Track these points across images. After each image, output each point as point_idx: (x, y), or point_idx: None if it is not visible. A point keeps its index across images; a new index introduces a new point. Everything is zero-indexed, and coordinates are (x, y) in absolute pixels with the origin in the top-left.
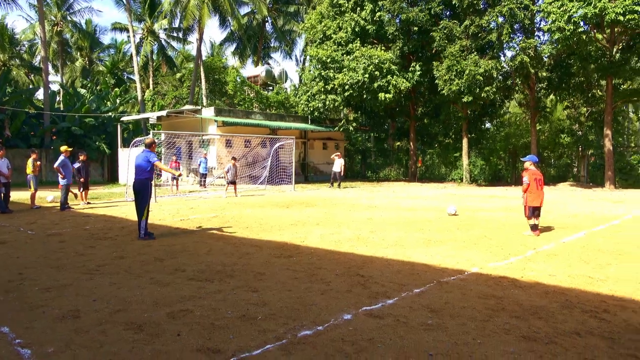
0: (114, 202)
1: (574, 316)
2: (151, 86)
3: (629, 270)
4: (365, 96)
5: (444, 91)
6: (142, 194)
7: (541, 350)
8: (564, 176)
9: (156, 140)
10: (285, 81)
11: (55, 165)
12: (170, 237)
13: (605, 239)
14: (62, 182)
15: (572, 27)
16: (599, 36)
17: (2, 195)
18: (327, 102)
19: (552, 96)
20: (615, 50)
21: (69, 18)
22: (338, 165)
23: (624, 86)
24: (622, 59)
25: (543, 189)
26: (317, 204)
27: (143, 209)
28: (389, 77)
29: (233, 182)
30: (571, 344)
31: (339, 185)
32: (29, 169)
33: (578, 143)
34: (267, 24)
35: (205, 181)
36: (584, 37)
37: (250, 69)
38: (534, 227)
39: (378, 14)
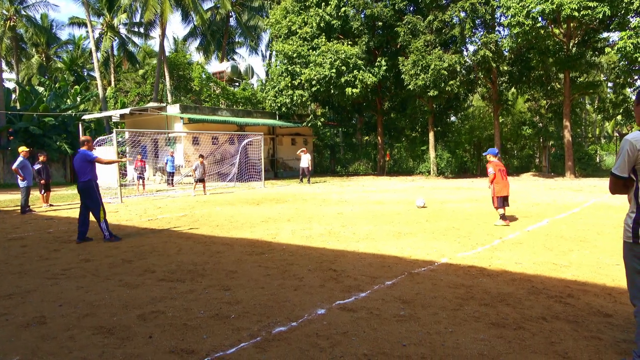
0: (77, 203)
1: (540, 302)
2: (113, 83)
3: (590, 255)
4: (332, 91)
5: (410, 86)
6: (91, 196)
7: (510, 336)
8: (526, 167)
9: (89, 138)
10: (252, 77)
11: (14, 166)
12: (139, 238)
13: (567, 226)
14: (21, 184)
15: (530, 22)
16: (556, 31)
17: None
18: (295, 98)
19: (513, 89)
20: (571, 44)
21: (22, 12)
22: (305, 160)
23: (581, 79)
24: (578, 53)
25: (507, 178)
26: (287, 200)
27: (98, 212)
28: (355, 72)
29: (202, 180)
30: (538, 329)
31: (309, 180)
32: None
33: (539, 134)
34: (231, 19)
35: (172, 180)
36: (542, 31)
37: (216, 65)
38: (504, 217)
39: (343, 9)
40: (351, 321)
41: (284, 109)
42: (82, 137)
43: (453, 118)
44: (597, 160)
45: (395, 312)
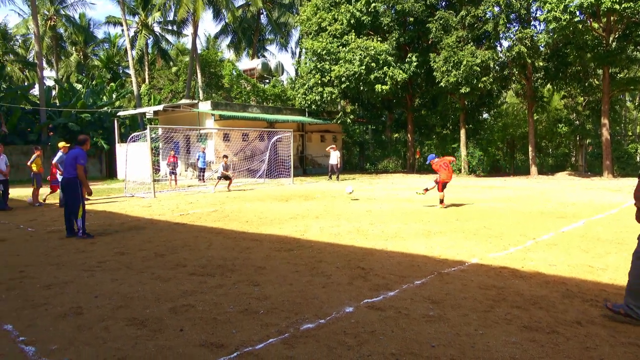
0: (113, 197)
1: (575, 305)
2: (147, 80)
3: (628, 258)
4: (362, 88)
5: (441, 82)
6: (71, 192)
7: (543, 339)
8: (562, 165)
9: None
10: (282, 74)
11: (54, 161)
12: (170, 232)
13: (604, 228)
14: (60, 178)
15: (568, 17)
16: (595, 25)
17: (1, 192)
18: (324, 95)
19: (549, 86)
20: (611, 39)
21: (62, 12)
22: (334, 157)
23: (621, 75)
24: (619, 48)
25: (451, 169)
26: (316, 197)
27: (77, 209)
28: (385, 68)
29: (227, 177)
30: (573, 333)
31: (337, 177)
32: (36, 166)
33: (575, 132)
34: (262, 16)
35: (204, 175)
36: (580, 26)
37: (246, 62)
38: (442, 201)
39: (373, 4)
40: (379, 320)
41: (313, 106)
42: (81, 136)
43: (485, 115)
44: (638, 159)
45: (424, 312)
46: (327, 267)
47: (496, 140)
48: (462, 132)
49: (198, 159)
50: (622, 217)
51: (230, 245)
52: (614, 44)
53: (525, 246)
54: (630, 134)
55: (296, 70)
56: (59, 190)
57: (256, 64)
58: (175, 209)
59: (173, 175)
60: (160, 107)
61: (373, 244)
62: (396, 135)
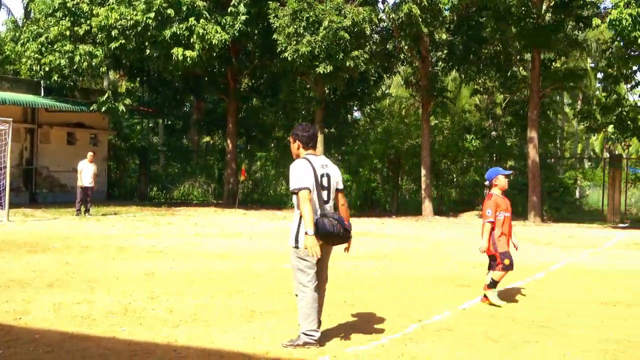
0: None
1: None
2: None
3: (554, 351)
4: (149, 52)
5: (286, 53)
6: None
7: None
8: (469, 201)
9: None
10: None
11: None
12: None
13: (524, 303)
14: None
15: None
16: None
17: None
18: (79, 58)
19: (454, 73)
20: (544, 7)
21: None
22: (89, 174)
23: (557, 64)
24: (555, 22)
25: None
26: (51, 247)
27: None
28: (192, 20)
29: None
30: None
31: (88, 210)
32: None
33: (491, 149)
34: None
35: None
36: None
37: None
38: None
39: None
40: None
41: (55, 77)
42: None
43: (357, 114)
44: (577, 195)
45: None
46: None
47: (372, 157)
48: (319, 140)
49: None
50: (551, 286)
51: None
52: (549, 15)
53: (404, 333)
54: (567, 155)
55: (26, 9)
56: None
57: None
58: None
59: None
60: None
61: (153, 335)
62: (207, 139)
